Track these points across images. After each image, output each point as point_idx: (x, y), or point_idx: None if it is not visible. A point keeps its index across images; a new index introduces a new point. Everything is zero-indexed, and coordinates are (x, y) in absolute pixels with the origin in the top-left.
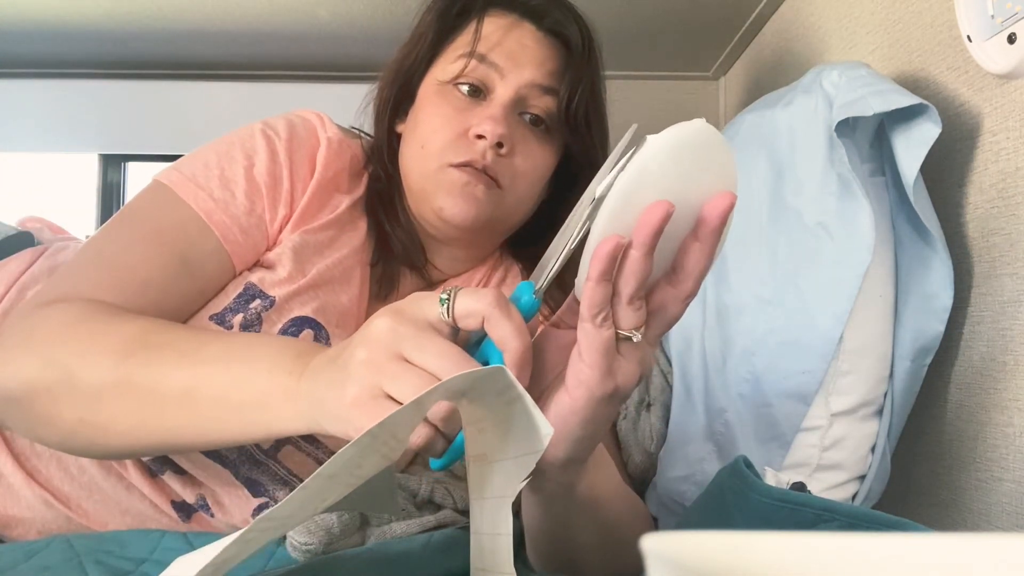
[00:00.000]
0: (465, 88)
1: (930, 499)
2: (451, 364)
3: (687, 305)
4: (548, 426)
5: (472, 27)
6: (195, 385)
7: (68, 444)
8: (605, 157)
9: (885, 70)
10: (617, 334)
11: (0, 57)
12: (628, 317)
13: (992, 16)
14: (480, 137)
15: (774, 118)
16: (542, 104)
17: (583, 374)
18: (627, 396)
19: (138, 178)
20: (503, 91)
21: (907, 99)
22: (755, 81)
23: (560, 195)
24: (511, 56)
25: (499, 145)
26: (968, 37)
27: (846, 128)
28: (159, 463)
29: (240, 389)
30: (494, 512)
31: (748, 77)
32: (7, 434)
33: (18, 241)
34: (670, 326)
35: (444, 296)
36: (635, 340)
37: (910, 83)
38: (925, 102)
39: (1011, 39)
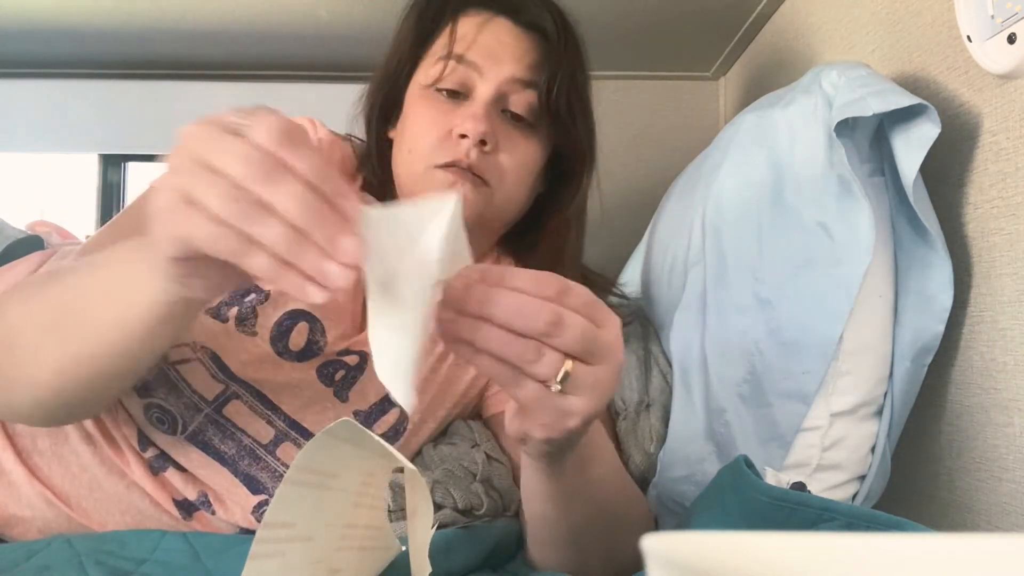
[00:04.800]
0: (446, 92)
1: (930, 499)
2: (256, 164)
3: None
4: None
5: (448, 28)
6: (67, 294)
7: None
8: (591, 148)
9: (885, 70)
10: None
11: (0, 57)
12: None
13: (992, 16)
14: (463, 137)
15: (774, 118)
16: (524, 99)
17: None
18: (552, 445)
19: (138, 178)
20: (484, 89)
21: (906, 99)
22: (755, 81)
23: (555, 187)
24: (489, 53)
25: (482, 143)
26: (968, 37)
27: (846, 128)
28: (161, 460)
29: (109, 269)
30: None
31: (748, 77)
32: (10, 431)
33: (28, 244)
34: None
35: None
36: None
37: (910, 83)
38: (924, 102)
39: (1011, 39)
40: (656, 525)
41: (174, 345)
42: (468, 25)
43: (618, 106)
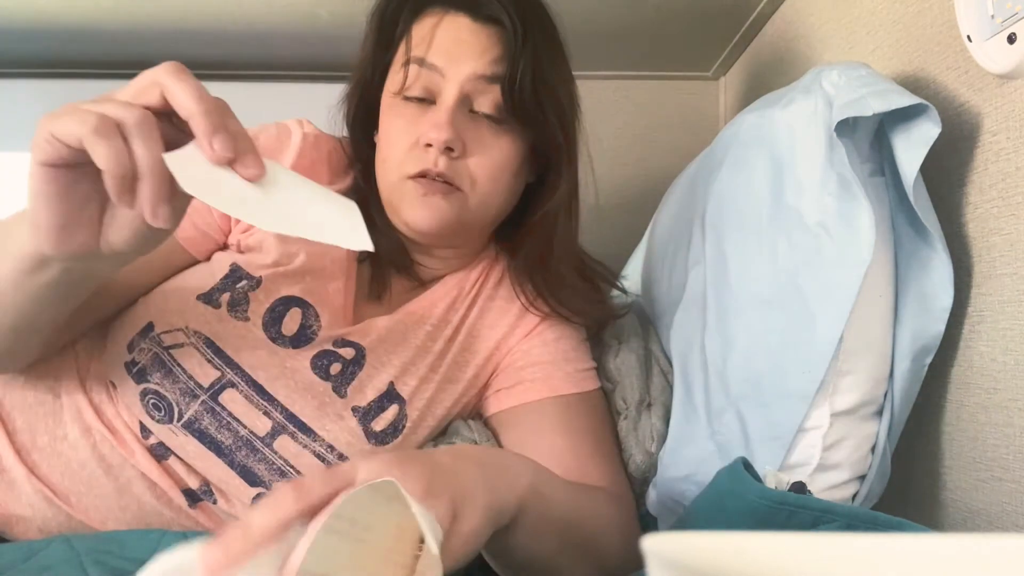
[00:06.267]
0: (412, 99)
1: (930, 499)
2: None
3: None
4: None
5: (407, 35)
6: None
7: None
8: (568, 138)
9: (885, 70)
10: None
11: (0, 57)
12: None
13: (992, 16)
14: (429, 145)
15: (774, 118)
16: (489, 97)
17: None
18: None
19: None
20: (447, 92)
21: (907, 99)
22: (755, 81)
23: (545, 175)
24: (448, 53)
25: (449, 149)
26: (968, 37)
27: (846, 128)
28: (163, 448)
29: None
30: None
31: (748, 77)
32: (10, 427)
33: None
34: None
35: None
36: None
37: (910, 83)
38: (925, 102)
39: (1011, 39)
40: (656, 525)
41: (166, 330)
42: (425, 27)
43: (618, 106)
